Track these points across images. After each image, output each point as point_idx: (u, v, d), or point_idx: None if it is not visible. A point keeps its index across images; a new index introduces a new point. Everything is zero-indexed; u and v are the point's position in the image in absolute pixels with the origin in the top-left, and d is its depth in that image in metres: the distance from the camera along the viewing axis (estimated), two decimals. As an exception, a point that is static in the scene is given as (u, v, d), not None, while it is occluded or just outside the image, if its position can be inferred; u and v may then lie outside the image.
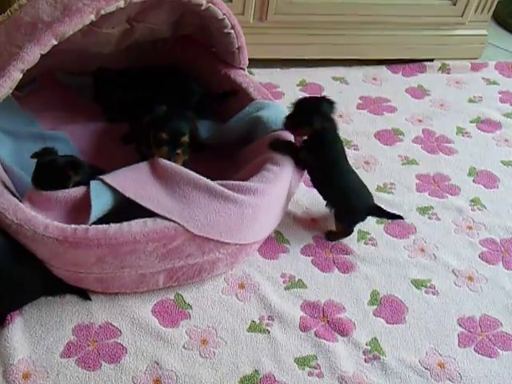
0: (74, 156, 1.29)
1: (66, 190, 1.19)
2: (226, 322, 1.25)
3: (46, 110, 1.60)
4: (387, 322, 1.29)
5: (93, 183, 1.19)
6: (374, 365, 1.21)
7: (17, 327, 1.18)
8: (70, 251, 1.12)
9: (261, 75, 1.94)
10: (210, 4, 1.37)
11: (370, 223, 1.49)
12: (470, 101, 1.99)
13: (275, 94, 1.85)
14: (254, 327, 1.25)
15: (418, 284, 1.38)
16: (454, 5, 1.97)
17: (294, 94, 1.88)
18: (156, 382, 1.13)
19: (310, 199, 1.50)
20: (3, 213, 1.13)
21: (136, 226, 1.13)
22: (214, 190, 1.20)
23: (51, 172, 1.21)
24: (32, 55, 1.17)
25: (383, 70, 2.08)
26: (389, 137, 1.79)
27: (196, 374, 1.15)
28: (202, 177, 1.23)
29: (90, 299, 1.24)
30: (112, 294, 1.26)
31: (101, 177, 1.20)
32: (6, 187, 1.22)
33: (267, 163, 1.31)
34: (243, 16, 1.81)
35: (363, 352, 1.22)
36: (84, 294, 1.24)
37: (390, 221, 1.50)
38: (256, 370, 1.17)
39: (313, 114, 1.29)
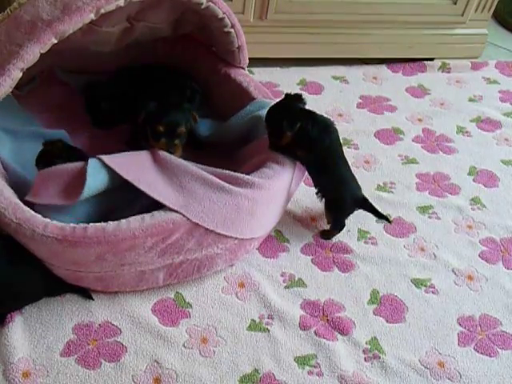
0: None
1: (65, 165, 1.21)
2: (226, 321, 1.25)
3: (46, 108, 1.60)
4: (387, 321, 1.29)
5: (91, 160, 1.20)
6: (374, 364, 1.21)
7: (17, 326, 1.18)
8: (69, 250, 1.12)
9: (261, 74, 1.94)
10: (209, 3, 1.37)
11: (370, 222, 1.50)
12: (471, 100, 1.99)
13: (276, 92, 1.85)
14: (253, 326, 1.25)
15: (417, 283, 1.38)
16: (455, 4, 1.97)
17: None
18: (156, 381, 1.13)
19: (311, 198, 1.49)
20: (2, 212, 1.13)
21: (134, 221, 1.14)
22: (210, 181, 1.22)
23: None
24: (32, 54, 1.17)
25: (383, 69, 2.07)
26: (389, 136, 1.79)
27: (196, 373, 1.15)
28: (199, 167, 1.25)
29: (92, 298, 1.24)
30: (112, 292, 1.26)
31: (100, 156, 1.22)
32: (5, 186, 1.22)
33: (268, 161, 1.32)
34: (243, 15, 1.80)
35: (363, 351, 1.23)
36: (86, 293, 1.24)
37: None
38: (256, 369, 1.17)
39: (281, 124, 1.29)
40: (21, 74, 1.19)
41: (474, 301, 1.35)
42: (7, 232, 1.16)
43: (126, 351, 1.17)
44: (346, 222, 1.44)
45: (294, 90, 1.89)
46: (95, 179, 1.19)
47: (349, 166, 1.39)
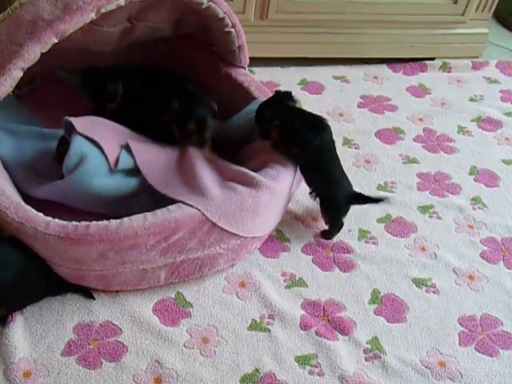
0: None
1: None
2: (227, 321, 1.25)
3: (47, 108, 1.60)
4: (388, 321, 1.29)
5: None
6: (375, 364, 1.21)
7: (17, 326, 1.17)
8: (71, 248, 1.12)
9: (262, 74, 1.94)
10: (210, 2, 1.37)
11: (371, 222, 1.50)
12: (471, 99, 1.98)
13: (276, 92, 1.85)
14: (254, 326, 1.25)
15: (418, 283, 1.37)
16: (455, 3, 1.97)
17: (295, 93, 1.85)
18: (157, 381, 1.13)
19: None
20: (4, 211, 1.13)
21: (136, 220, 1.14)
22: (216, 178, 1.28)
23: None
24: (32, 53, 1.17)
25: (384, 69, 2.07)
26: (390, 135, 1.79)
27: (197, 373, 1.15)
28: (208, 166, 1.32)
29: (94, 298, 1.24)
30: (113, 292, 1.26)
31: (129, 143, 1.33)
32: (7, 186, 1.22)
33: (271, 162, 1.32)
34: (244, 15, 1.80)
35: (364, 351, 1.22)
36: (87, 293, 1.24)
37: (390, 220, 1.50)
38: (256, 369, 1.17)
39: (262, 123, 1.32)
40: (21, 74, 1.20)
41: (474, 300, 1.35)
42: (10, 232, 1.16)
43: (127, 351, 1.17)
44: (347, 221, 1.44)
45: (295, 89, 1.89)
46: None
47: (340, 165, 1.39)
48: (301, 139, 1.30)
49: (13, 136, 1.45)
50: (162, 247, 1.17)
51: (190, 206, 1.18)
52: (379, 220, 1.50)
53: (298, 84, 1.94)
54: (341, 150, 1.68)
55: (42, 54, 1.19)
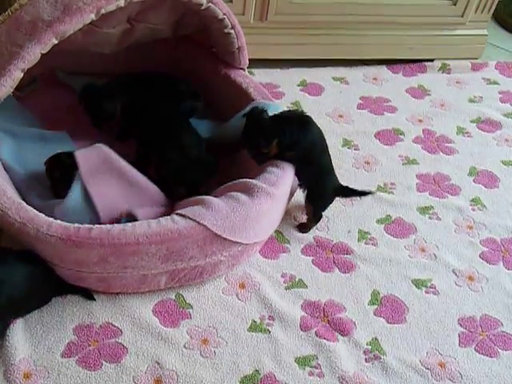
0: None
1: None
2: (227, 322, 1.25)
3: (47, 109, 1.60)
4: (388, 322, 1.29)
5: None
6: (375, 364, 1.21)
7: (18, 327, 1.17)
8: (72, 250, 1.12)
9: (261, 75, 1.94)
10: (210, 4, 1.37)
11: (371, 223, 1.50)
12: (471, 101, 1.99)
13: (275, 94, 1.85)
14: (254, 327, 1.25)
15: (418, 284, 1.38)
16: (455, 5, 1.97)
17: (295, 94, 1.88)
18: (157, 382, 1.13)
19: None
20: (6, 212, 1.13)
21: (140, 227, 1.14)
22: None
23: None
24: (33, 54, 1.17)
25: (384, 70, 2.07)
26: (389, 137, 1.79)
27: (197, 374, 1.15)
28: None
29: (94, 299, 1.24)
30: (113, 293, 1.26)
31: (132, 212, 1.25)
32: (8, 187, 1.22)
33: (268, 166, 1.32)
34: (243, 16, 1.80)
35: (364, 352, 1.22)
36: (87, 294, 1.24)
37: (390, 221, 1.50)
38: (256, 370, 1.17)
39: (259, 143, 1.31)
40: (22, 75, 1.20)
41: (474, 301, 1.35)
42: (11, 233, 1.16)
43: (127, 352, 1.17)
44: (346, 222, 1.45)
45: (295, 91, 1.90)
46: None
47: (330, 157, 1.39)
48: (292, 142, 1.30)
49: (13, 137, 1.45)
50: (164, 255, 1.16)
51: (196, 221, 1.16)
52: (379, 221, 1.50)
53: (298, 85, 1.94)
54: (340, 151, 1.69)
55: (42, 56, 1.19)
